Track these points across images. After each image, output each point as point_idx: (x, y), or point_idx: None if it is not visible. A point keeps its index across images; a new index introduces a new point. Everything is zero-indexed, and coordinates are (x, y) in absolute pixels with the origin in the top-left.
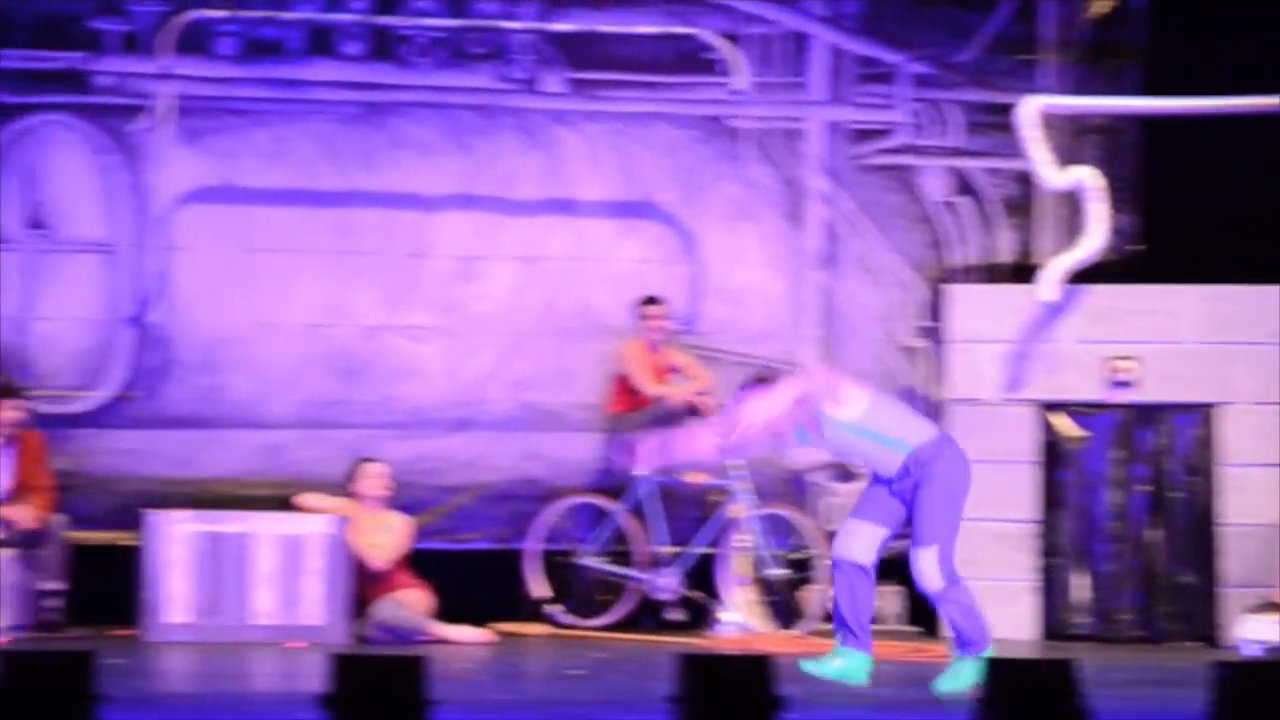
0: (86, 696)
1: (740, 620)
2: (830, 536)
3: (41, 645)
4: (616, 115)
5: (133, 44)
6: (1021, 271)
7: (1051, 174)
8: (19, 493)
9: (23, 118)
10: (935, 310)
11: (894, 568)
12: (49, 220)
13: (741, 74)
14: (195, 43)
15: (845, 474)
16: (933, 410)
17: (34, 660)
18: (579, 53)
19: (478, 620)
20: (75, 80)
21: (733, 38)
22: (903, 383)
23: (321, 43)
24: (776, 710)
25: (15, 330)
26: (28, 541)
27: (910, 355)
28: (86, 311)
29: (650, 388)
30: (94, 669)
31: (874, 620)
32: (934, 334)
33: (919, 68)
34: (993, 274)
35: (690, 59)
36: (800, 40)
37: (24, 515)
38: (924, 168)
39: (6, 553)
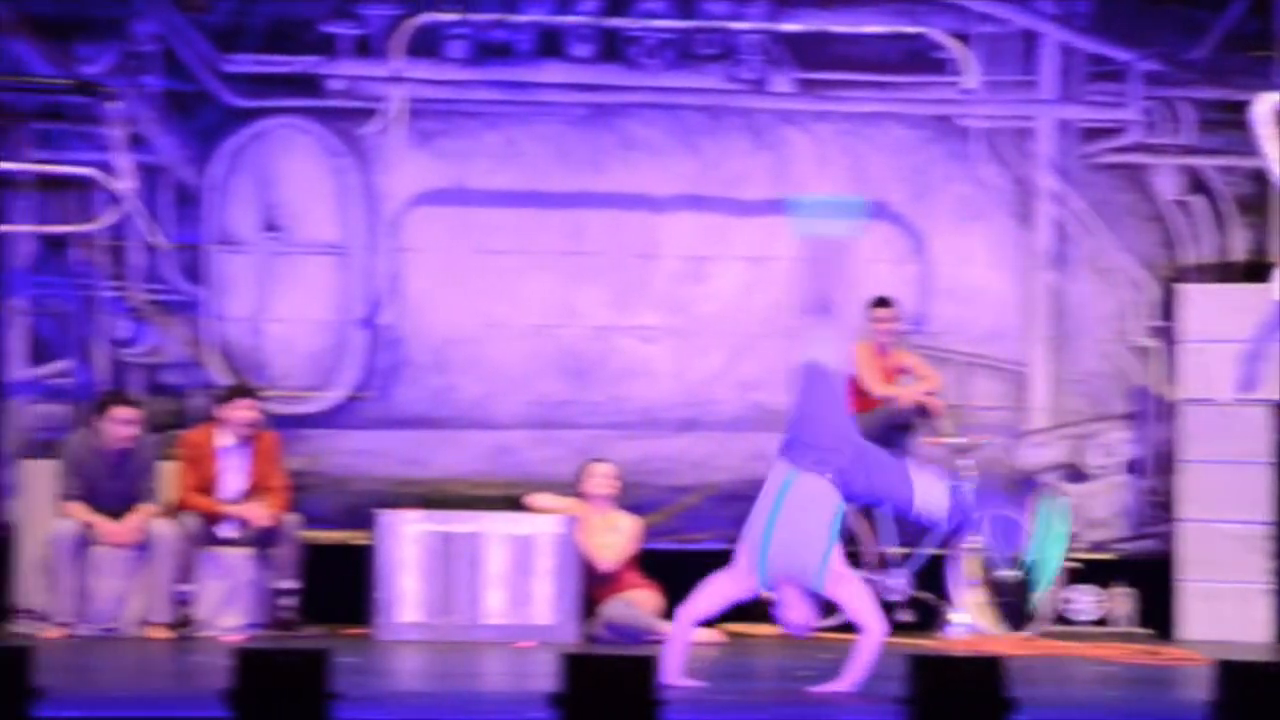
0: (321, 694)
1: (970, 622)
2: None
3: (276, 643)
4: (845, 115)
5: (365, 48)
6: (1255, 270)
7: None
8: (254, 492)
9: (256, 121)
10: (1167, 310)
11: (1125, 569)
12: (282, 223)
13: (971, 73)
14: (426, 46)
15: (1077, 474)
16: (1165, 411)
17: (270, 658)
18: (808, 53)
19: (707, 621)
20: (308, 84)
21: (963, 36)
22: (1134, 383)
23: (551, 45)
24: (1007, 712)
25: (250, 332)
26: (262, 541)
27: (1142, 355)
28: (319, 313)
29: (879, 389)
30: (328, 667)
31: (1104, 622)
32: (1166, 334)
33: (1150, 65)
34: (1226, 273)
35: (920, 58)
36: (1030, 39)
37: (259, 515)
38: (1156, 166)
39: (242, 552)
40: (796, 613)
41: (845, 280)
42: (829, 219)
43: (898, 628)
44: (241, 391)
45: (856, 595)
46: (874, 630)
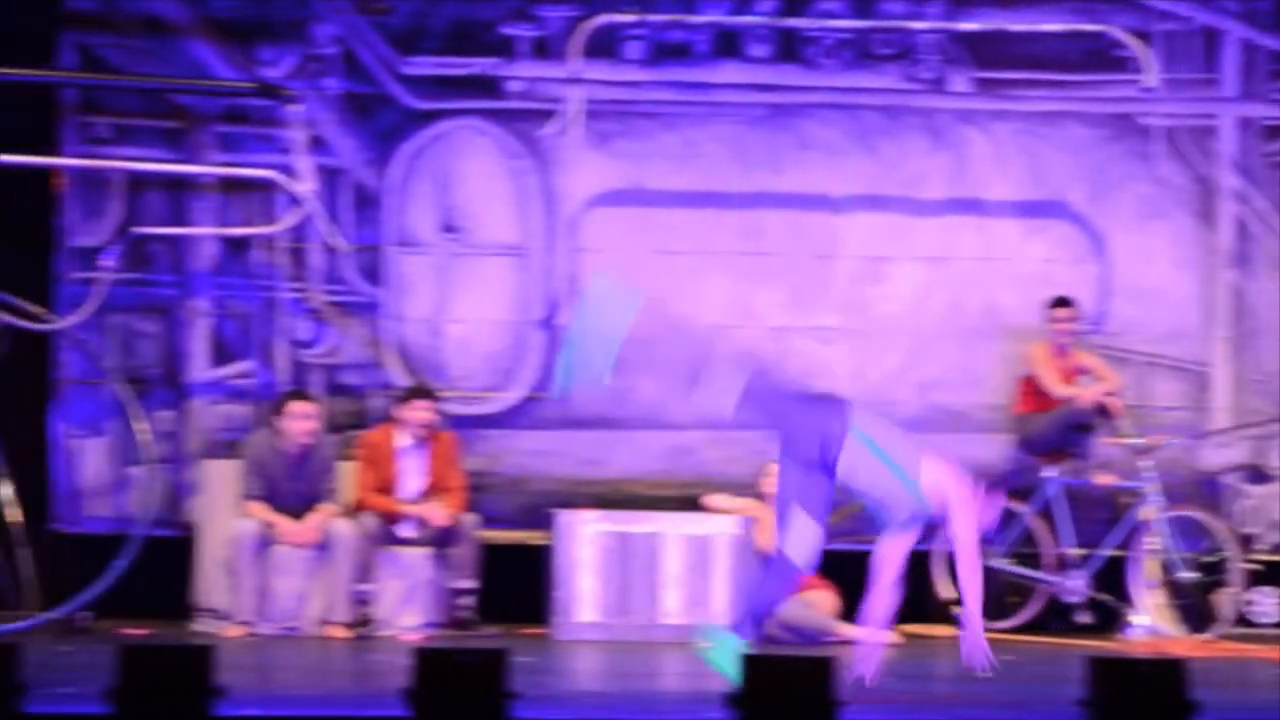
0: (499, 694)
1: (1150, 624)
2: (1244, 539)
3: (455, 643)
4: (1024, 114)
5: (543, 49)
6: None
7: None
8: (432, 493)
9: (436, 123)
10: None
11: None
12: (461, 224)
13: (1152, 71)
14: (604, 47)
15: (1259, 475)
16: None
17: (448, 657)
18: (986, 52)
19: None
20: (487, 86)
21: (1143, 34)
22: None
23: (729, 45)
24: (1188, 715)
25: (428, 332)
26: (441, 540)
27: None
28: (498, 314)
29: (1058, 389)
30: (506, 666)
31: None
32: None
33: None
34: None
35: (1100, 57)
36: (1212, 36)
37: (438, 515)
38: None
39: (420, 551)
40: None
41: (683, 332)
42: (612, 308)
43: (1077, 630)
44: (419, 392)
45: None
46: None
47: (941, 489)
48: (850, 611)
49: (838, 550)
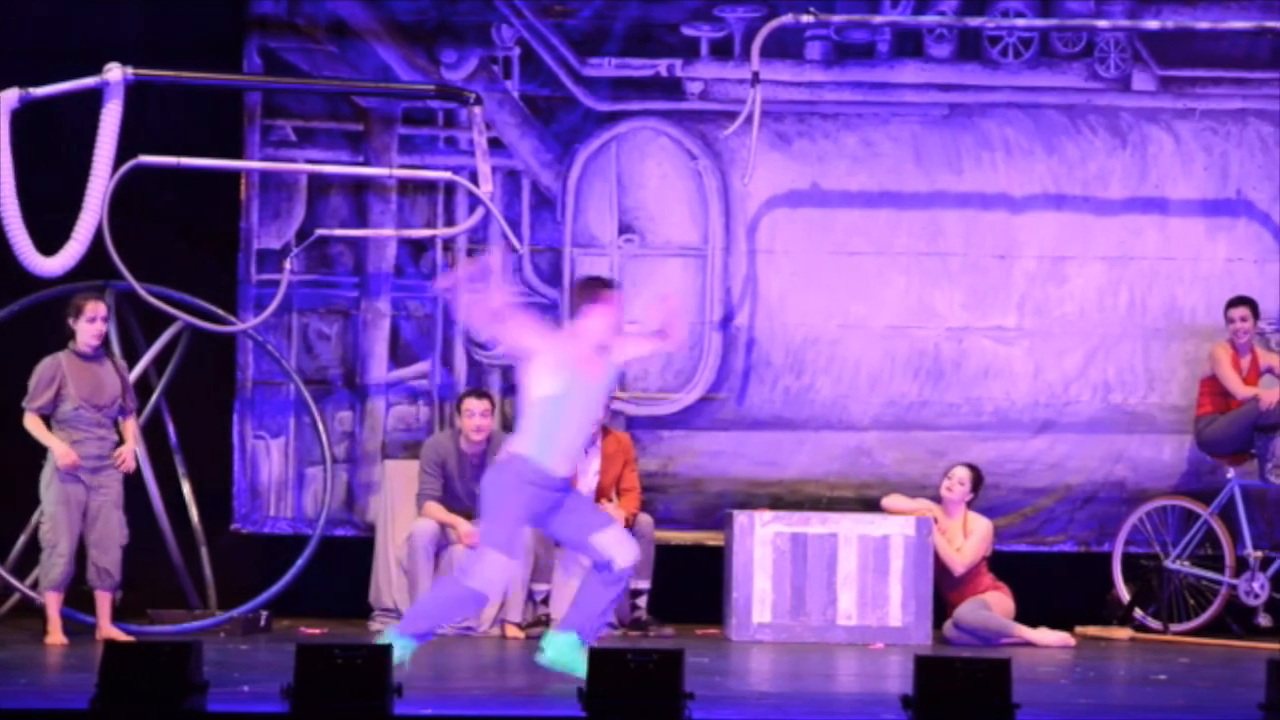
0: (676, 693)
1: None
2: None
3: (630, 644)
4: (1208, 112)
5: (723, 50)
6: None
7: None
8: (607, 492)
9: (615, 124)
10: None
11: None
12: (639, 225)
13: None
14: (785, 47)
15: None
16: None
17: (624, 658)
18: (1170, 50)
19: (1061, 623)
20: (667, 86)
21: None
22: None
23: (909, 45)
24: None
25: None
26: None
27: None
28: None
29: (1240, 390)
30: (681, 667)
31: None
32: None
33: None
34: None
35: None
36: None
37: (612, 515)
38: None
39: None
40: None
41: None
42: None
43: (1257, 632)
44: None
45: None
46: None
47: None
48: (1025, 613)
49: (1015, 552)
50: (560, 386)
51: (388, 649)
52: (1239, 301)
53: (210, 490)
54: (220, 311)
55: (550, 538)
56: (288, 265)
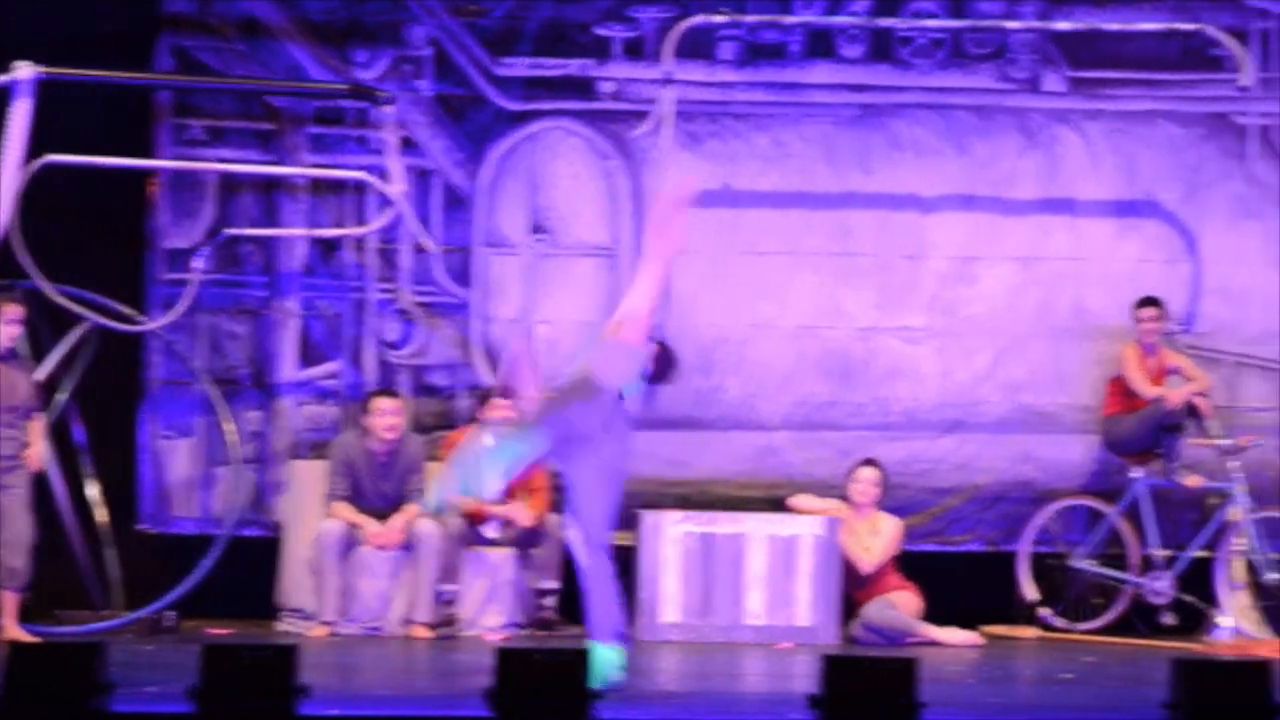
0: (582, 693)
1: (1236, 626)
2: None
3: (538, 643)
4: (1118, 114)
5: (636, 50)
6: None
7: None
8: (516, 493)
9: (527, 124)
10: None
11: None
12: (550, 225)
13: (1248, 70)
14: (697, 47)
15: None
16: None
17: (531, 658)
18: (1080, 51)
19: (968, 623)
20: (579, 86)
21: (1240, 33)
22: None
23: (821, 45)
24: (1274, 717)
25: (517, 333)
26: (525, 541)
27: None
28: (586, 314)
29: (1147, 390)
30: (588, 667)
31: None
32: None
33: None
34: None
35: (1195, 56)
36: None
37: (522, 515)
38: None
39: (504, 552)
40: None
41: None
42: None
43: (1162, 631)
44: (499, 391)
45: None
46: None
47: None
48: (932, 612)
49: (922, 551)
50: None
51: (294, 649)
52: (1148, 302)
53: (117, 490)
54: (129, 311)
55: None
56: (197, 265)
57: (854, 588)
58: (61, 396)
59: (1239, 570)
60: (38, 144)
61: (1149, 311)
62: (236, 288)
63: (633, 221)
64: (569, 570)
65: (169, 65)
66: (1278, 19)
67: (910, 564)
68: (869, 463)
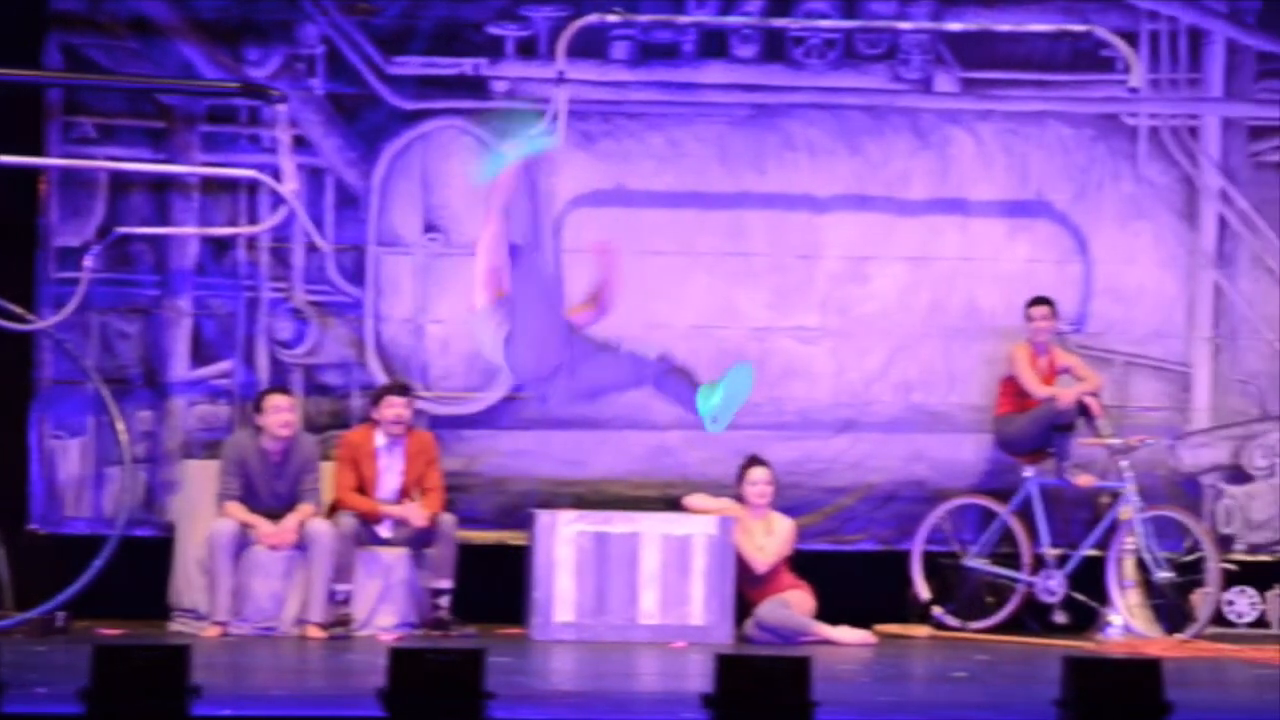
0: (476, 694)
1: (1127, 624)
2: (1222, 540)
3: (432, 643)
4: (1009, 114)
5: (529, 49)
6: None
7: None
8: (410, 492)
9: (420, 123)
10: None
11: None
12: (444, 223)
13: (1137, 71)
14: (590, 47)
15: (1239, 475)
16: None
17: (425, 658)
18: (972, 52)
19: (861, 622)
20: (472, 86)
21: (1129, 35)
22: None
23: (714, 45)
24: (1164, 715)
25: (410, 332)
26: (419, 541)
27: None
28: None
29: (1037, 390)
30: (483, 667)
31: (1263, 624)
32: None
33: None
34: None
35: (1085, 57)
36: (1198, 36)
37: (416, 515)
38: None
39: (398, 552)
40: None
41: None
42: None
43: (1053, 630)
44: (393, 389)
45: None
46: None
47: None
48: (825, 611)
49: (815, 550)
50: None
51: (186, 650)
52: (1039, 301)
53: (7, 490)
54: (18, 309)
55: None
56: (87, 263)
57: (748, 587)
58: None
59: (1130, 569)
60: None
61: (1040, 310)
62: (128, 286)
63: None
64: (463, 570)
65: (58, 63)
66: (1167, 21)
67: (804, 563)
68: (758, 462)
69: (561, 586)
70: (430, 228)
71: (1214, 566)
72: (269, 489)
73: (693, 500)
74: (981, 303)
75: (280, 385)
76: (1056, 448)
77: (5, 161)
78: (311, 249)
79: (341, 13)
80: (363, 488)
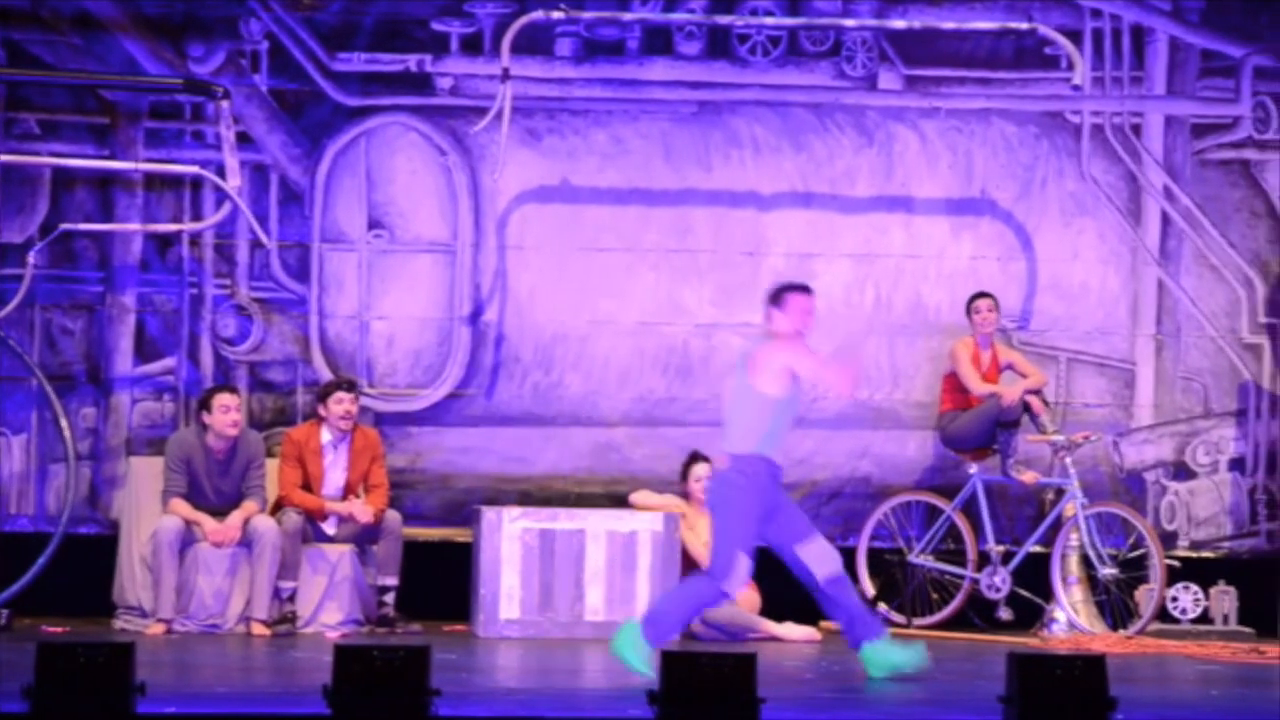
0: (421, 690)
1: (1071, 620)
2: (1165, 536)
3: (377, 640)
4: (954, 112)
5: (474, 45)
6: None
7: None
8: (355, 489)
9: (365, 119)
10: (1276, 306)
11: (1224, 567)
12: (388, 220)
13: (1081, 69)
14: (535, 43)
15: (1183, 471)
16: (1274, 408)
17: (370, 654)
18: (916, 50)
19: (807, 618)
20: (417, 82)
21: (1073, 33)
22: (1243, 380)
23: (659, 42)
24: (1108, 711)
25: (355, 329)
26: (364, 537)
27: (1250, 352)
28: (424, 310)
29: (978, 387)
30: (428, 664)
31: (1206, 620)
32: (1275, 331)
33: (1263, 60)
34: None
35: (1030, 54)
36: (1141, 34)
37: (360, 511)
38: (1267, 162)
39: (343, 548)
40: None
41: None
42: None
43: (998, 626)
44: (339, 385)
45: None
46: None
47: None
48: (771, 607)
49: (762, 547)
50: (790, 389)
51: (130, 647)
52: (981, 295)
53: None
54: None
55: (759, 538)
56: (31, 260)
57: None
58: None
59: (1074, 565)
60: None
61: (984, 303)
62: (71, 283)
63: (471, 217)
64: (408, 567)
65: (1, 58)
66: (1111, 18)
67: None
68: (703, 458)
69: (507, 583)
70: (375, 224)
71: (1158, 563)
72: (214, 486)
73: (638, 497)
74: (926, 300)
75: (227, 384)
76: (1001, 445)
77: None
78: (256, 246)
79: (285, 9)
80: (308, 484)
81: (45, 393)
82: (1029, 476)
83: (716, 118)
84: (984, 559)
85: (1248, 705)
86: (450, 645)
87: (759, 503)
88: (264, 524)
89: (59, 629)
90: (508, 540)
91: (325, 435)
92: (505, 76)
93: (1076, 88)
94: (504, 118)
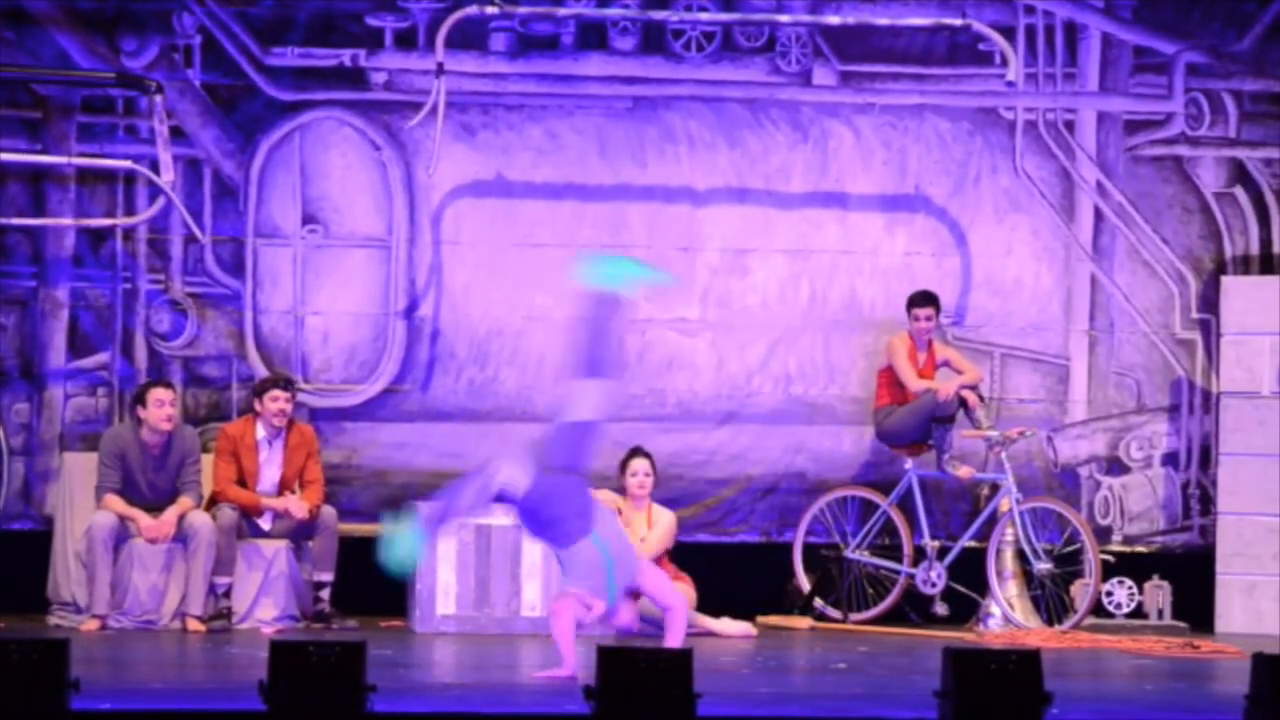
0: (357, 686)
1: (1006, 615)
2: (1100, 531)
3: (313, 636)
4: (888, 108)
5: (408, 40)
6: None
7: None
8: (291, 485)
9: (299, 114)
10: (1209, 302)
11: (1159, 562)
12: (323, 215)
13: (1015, 65)
14: (469, 38)
15: (1117, 466)
16: (1206, 403)
17: (306, 650)
18: (850, 45)
19: (743, 613)
20: (351, 77)
21: (1006, 29)
22: (1175, 376)
23: (594, 37)
24: (1043, 705)
25: (289, 324)
26: (299, 533)
27: (1183, 348)
28: (359, 306)
29: (913, 383)
30: (364, 659)
31: (1140, 615)
32: (1207, 327)
33: (1194, 57)
34: (1269, 265)
35: (963, 50)
36: (1074, 31)
37: (297, 507)
38: (1199, 158)
39: (278, 544)
40: (627, 615)
41: (616, 340)
42: (618, 278)
43: (934, 621)
44: (275, 382)
45: (660, 579)
46: (680, 605)
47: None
48: (706, 603)
49: (695, 543)
50: None
51: (65, 643)
52: (925, 301)
53: None
54: None
55: None
56: None
57: None
58: None
59: (1009, 560)
60: None
61: (926, 310)
62: (4, 278)
63: (405, 212)
64: (344, 562)
65: None
66: (1044, 15)
67: (685, 555)
68: (639, 453)
69: (443, 579)
70: (309, 219)
71: (1092, 558)
72: (148, 482)
73: None
74: (861, 295)
75: (162, 378)
76: (936, 440)
77: None
78: (190, 241)
79: (218, 3)
80: (243, 480)
81: None
82: (964, 472)
83: (651, 113)
84: (920, 554)
85: (1182, 699)
86: (386, 641)
87: None
88: (199, 520)
89: None
90: (444, 536)
91: (260, 431)
92: (440, 71)
93: (1010, 84)
94: (439, 113)
